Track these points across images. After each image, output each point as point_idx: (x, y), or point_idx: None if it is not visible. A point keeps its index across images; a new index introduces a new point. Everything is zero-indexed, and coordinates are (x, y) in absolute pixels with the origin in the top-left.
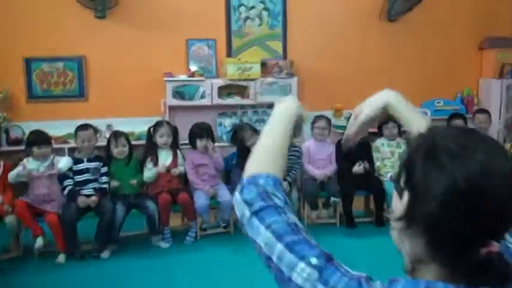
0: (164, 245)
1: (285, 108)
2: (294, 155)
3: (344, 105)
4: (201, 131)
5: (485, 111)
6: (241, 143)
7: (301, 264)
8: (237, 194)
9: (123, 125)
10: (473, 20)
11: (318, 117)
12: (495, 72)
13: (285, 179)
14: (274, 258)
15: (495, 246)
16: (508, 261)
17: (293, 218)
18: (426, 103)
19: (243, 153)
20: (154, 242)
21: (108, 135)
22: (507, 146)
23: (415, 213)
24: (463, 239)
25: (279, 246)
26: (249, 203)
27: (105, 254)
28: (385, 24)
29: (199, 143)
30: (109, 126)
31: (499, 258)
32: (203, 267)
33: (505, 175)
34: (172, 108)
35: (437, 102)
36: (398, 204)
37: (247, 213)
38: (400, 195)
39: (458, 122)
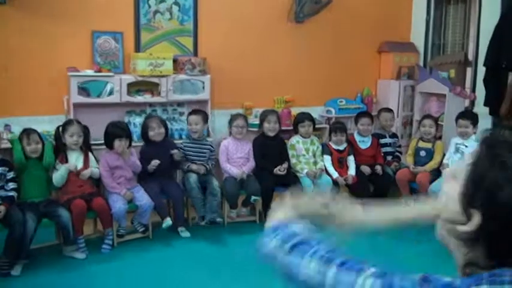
0: (80, 255)
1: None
2: (207, 149)
3: (254, 104)
4: (119, 131)
5: (389, 110)
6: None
7: (360, 279)
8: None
9: (23, 124)
10: (374, 25)
11: (235, 116)
12: (393, 74)
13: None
14: (329, 282)
15: None
16: None
17: (330, 244)
18: (330, 102)
19: (147, 144)
20: (68, 253)
21: (6, 136)
22: (412, 142)
23: (487, 232)
24: None
25: (332, 269)
26: (284, 240)
27: (16, 271)
28: (293, 26)
29: (118, 144)
30: (7, 127)
31: None
32: (123, 276)
33: None
34: (76, 106)
35: (340, 101)
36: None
37: (284, 248)
38: (468, 214)
39: (365, 120)
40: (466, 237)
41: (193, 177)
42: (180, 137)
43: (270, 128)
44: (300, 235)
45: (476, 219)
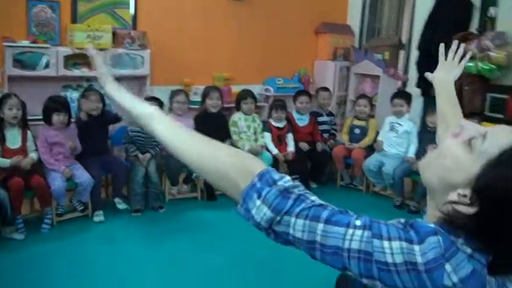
0: (19, 236)
1: None
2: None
3: (192, 81)
4: (58, 106)
5: (327, 89)
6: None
7: (350, 231)
8: (255, 197)
9: None
10: (311, 6)
11: (176, 92)
12: (329, 55)
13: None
14: (319, 239)
15: None
16: None
17: (315, 198)
18: (268, 81)
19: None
20: (6, 234)
21: None
22: (347, 121)
23: (476, 224)
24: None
25: (320, 226)
26: (274, 207)
27: None
28: (234, 3)
29: (56, 118)
30: None
31: None
32: (64, 255)
33: None
34: (11, 80)
35: (278, 80)
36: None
37: (276, 216)
38: (471, 198)
39: (304, 98)
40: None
41: (141, 172)
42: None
43: (213, 104)
44: (288, 193)
45: (474, 209)
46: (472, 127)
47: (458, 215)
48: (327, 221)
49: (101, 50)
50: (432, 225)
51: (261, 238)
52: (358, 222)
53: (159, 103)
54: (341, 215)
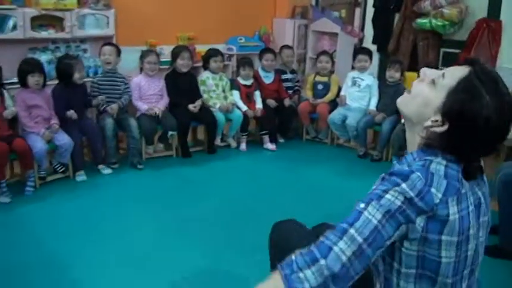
0: (4, 199)
1: None
2: (121, 82)
3: (158, 41)
4: (33, 67)
5: (290, 47)
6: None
7: (365, 213)
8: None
9: None
10: None
11: (147, 52)
12: (288, 13)
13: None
14: (359, 239)
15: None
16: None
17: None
18: (230, 40)
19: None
20: None
21: None
22: (309, 77)
23: (453, 124)
24: (471, 153)
25: (351, 231)
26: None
27: None
28: None
29: (32, 80)
30: None
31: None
32: (50, 215)
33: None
34: None
35: (240, 39)
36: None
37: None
38: (441, 119)
39: (269, 56)
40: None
41: (109, 124)
42: (88, 75)
43: (184, 64)
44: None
45: (445, 127)
46: (433, 71)
47: (434, 136)
48: (350, 225)
49: (67, 10)
50: (407, 169)
51: (236, 188)
52: (362, 205)
53: None
54: (351, 214)
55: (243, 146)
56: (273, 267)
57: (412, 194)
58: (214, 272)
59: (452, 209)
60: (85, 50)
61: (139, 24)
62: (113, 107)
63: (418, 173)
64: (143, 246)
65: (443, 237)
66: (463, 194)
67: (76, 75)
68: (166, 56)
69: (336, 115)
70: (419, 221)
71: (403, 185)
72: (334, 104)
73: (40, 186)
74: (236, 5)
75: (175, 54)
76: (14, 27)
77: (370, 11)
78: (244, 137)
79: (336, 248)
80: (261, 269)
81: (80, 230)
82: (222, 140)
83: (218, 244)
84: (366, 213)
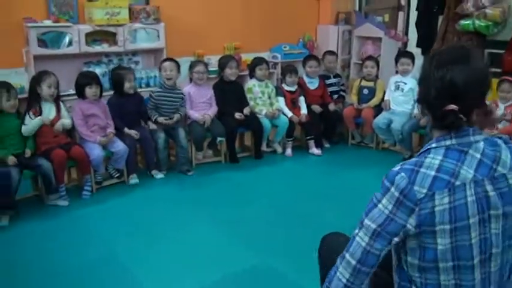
0: (63, 203)
1: None
2: (179, 98)
3: (205, 51)
4: (90, 80)
5: (333, 53)
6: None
7: (380, 205)
8: None
9: None
10: None
11: (195, 63)
12: (331, 20)
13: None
14: (373, 225)
15: (451, 107)
16: (459, 115)
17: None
18: (275, 48)
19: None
20: (51, 201)
21: None
22: (355, 82)
23: (420, 95)
24: (437, 103)
25: (365, 221)
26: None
27: (4, 222)
28: None
29: (89, 91)
30: None
31: (454, 113)
32: (106, 218)
33: (461, 74)
34: (36, 58)
35: (284, 47)
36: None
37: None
38: (423, 112)
39: (313, 63)
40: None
41: (161, 138)
42: (140, 86)
43: (232, 73)
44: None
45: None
46: None
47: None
48: (365, 214)
49: (119, 25)
50: (396, 168)
51: (282, 192)
52: (377, 195)
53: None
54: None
55: (289, 151)
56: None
57: (397, 194)
58: (262, 270)
59: (441, 201)
60: (137, 62)
61: (187, 36)
62: (167, 121)
63: (403, 173)
64: (196, 245)
65: (437, 228)
66: (457, 185)
67: (126, 85)
68: (213, 66)
69: (380, 119)
70: (411, 221)
71: (392, 189)
72: (379, 109)
73: (97, 190)
74: (280, 13)
75: (222, 64)
76: (70, 43)
77: (413, 15)
78: (290, 142)
79: (357, 238)
80: (305, 270)
81: (136, 230)
82: (268, 145)
83: (266, 245)
84: (379, 206)
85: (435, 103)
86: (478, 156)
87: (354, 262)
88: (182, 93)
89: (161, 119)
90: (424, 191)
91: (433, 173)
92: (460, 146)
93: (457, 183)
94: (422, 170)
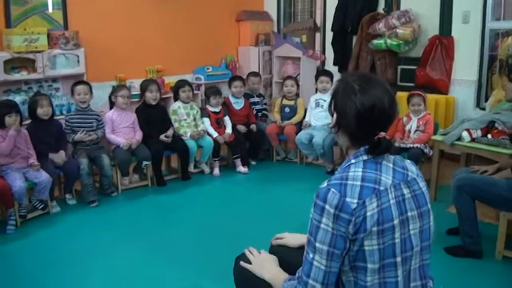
0: None
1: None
2: (93, 119)
3: (127, 75)
4: (9, 108)
5: (256, 74)
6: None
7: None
8: None
9: None
10: None
11: (118, 87)
12: (251, 41)
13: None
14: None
15: (382, 134)
16: (390, 140)
17: None
18: (198, 70)
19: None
20: None
21: None
22: (276, 101)
23: (341, 124)
24: (365, 133)
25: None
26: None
27: None
28: (159, 1)
29: (9, 120)
30: None
31: (385, 140)
32: (35, 252)
33: (384, 103)
34: None
35: (207, 68)
36: (331, 119)
37: None
38: (332, 115)
39: (238, 83)
40: (335, 130)
41: (84, 163)
42: (61, 113)
43: (153, 97)
44: None
45: (335, 116)
46: None
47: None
48: (313, 238)
49: (38, 52)
50: (324, 185)
51: (212, 212)
52: (316, 216)
53: None
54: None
55: (216, 170)
56: None
57: (332, 210)
58: None
59: (371, 206)
60: (57, 89)
61: (108, 60)
62: (83, 136)
63: (333, 189)
64: (125, 271)
65: (368, 232)
66: (382, 190)
67: (39, 110)
68: (136, 90)
69: (302, 135)
70: (350, 231)
71: (326, 207)
72: (300, 125)
73: (21, 224)
74: (201, 35)
75: (143, 87)
76: None
77: (329, 35)
78: (216, 162)
79: (315, 263)
80: None
81: (65, 262)
82: (195, 166)
83: (195, 266)
84: (317, 244)
85: (361, 133)
86: (391, 165)
87: (319, 286)
88: (97, 115)
89: (78, 136)
90: (356, 200)
91: (359, 183)
92: (375, 159)
93: (381, 188)
94: (349, 182)
